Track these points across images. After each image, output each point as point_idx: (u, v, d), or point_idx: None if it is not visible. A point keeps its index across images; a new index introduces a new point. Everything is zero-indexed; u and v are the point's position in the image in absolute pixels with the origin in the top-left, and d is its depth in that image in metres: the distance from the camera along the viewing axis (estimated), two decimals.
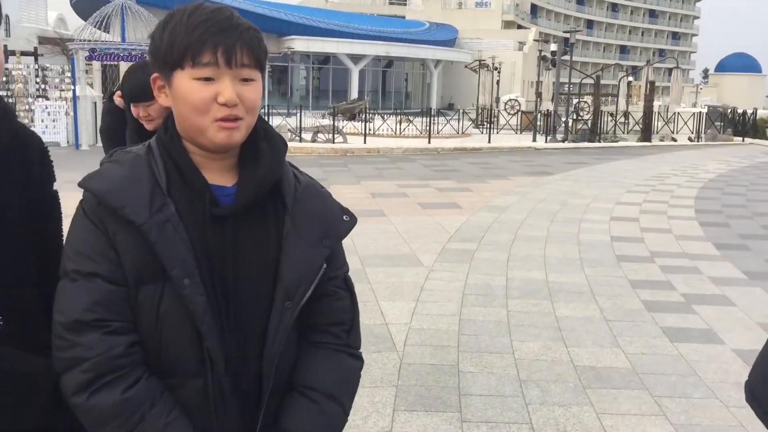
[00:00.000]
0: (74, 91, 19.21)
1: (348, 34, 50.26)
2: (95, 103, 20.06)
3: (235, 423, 1.35)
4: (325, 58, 51.36)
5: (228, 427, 1.34)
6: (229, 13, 1.30)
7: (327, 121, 23.79)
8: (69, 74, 20.25)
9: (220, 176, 1.35)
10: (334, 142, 20.70)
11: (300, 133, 21.13)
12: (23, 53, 23.55)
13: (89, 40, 19.70)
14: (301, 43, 46.59)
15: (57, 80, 21.31)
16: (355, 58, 49.98)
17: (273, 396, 1.37)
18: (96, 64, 20.93)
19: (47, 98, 20.70)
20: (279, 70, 49.28)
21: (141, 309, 1.29)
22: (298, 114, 21.82)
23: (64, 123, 19.62)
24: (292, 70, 49.95)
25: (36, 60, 23.91)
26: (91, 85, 20.96)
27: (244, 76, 1.29)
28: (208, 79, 1.27)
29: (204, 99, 1.27)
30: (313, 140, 20.95)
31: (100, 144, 19.71)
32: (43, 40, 32.84)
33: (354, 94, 47.69)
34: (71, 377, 1.25)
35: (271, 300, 1.35)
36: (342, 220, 1.45)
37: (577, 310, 5.65)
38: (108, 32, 20.51)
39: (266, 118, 22.81)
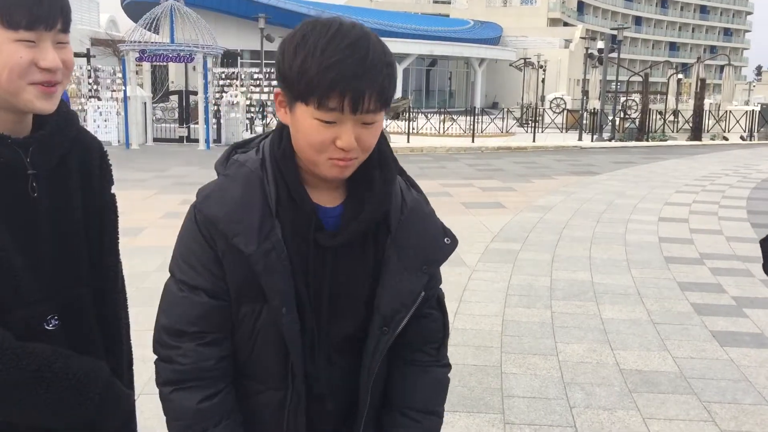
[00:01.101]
0: (125, 91, 19.66)
1: (392, 33, 50.32)
2: (145, 103, 20.52)
3: None
4: None
5: None
6: (365, 51, 1.21)
7: None
8: (120, 75, 20.74)
9: (327, 195, 1.36)
10: None
11: None
12: (76, 54, 24.16)
13: (139, 42, 20.13)
14: None
15: (108, 81, 21.85)
16: (399, 57, 50.01)
17: (368, 427, 1.45)
18: (146, 65, 21.38)
19: (99, 98, 21.25)
20: None
21: (239, 322, 1.36)
22: None
23: (115, 123, 20.11)
24: None
25: (88, 61, 24.58)
26: (141, 86, 21.42)
27: (367, 120, 1.24)
28: (330, 122, 1.23)
29: (323, 141, 1.24)
30: None
31: (150, 143, 20.16)
32: (96, 42, 33.70)
33: (398, 93, 47.78)
34: (164, 369, 1.36)
35: (367, 324, 1.38)
36: (443, 244, 1.43)
37: (623, 312, 5.57)
38: (157, 33, 20.94)
39: None
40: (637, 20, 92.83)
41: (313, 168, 1.30)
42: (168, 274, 1.42)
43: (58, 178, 1.40)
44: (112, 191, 1.55)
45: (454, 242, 1.45)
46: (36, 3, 1.26)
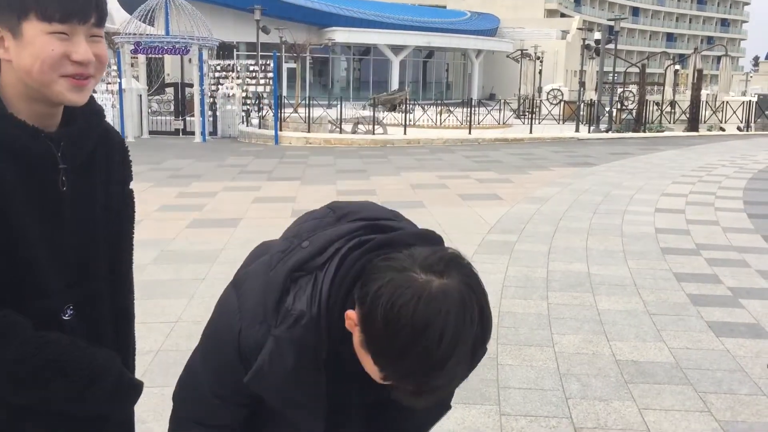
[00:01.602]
0: (120, 84, 19.58)
1: (389, 24, 50.20)
2: (140, 95, 20.45)
3: None
4: (365, 49, 51.41)
5: None
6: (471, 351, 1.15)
7: (367, 112, 23.81)
8: (115, 67, 20.63)
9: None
10: (374, 133, 20.72)
11: (340, 124, 21.19)
12: None
13: (135, 34, 20.05)
14: (342, 35, 46.69)
15: (103, 73, 21.72)
16: (396, 49, 49.90)
17: None
18: (141, 57, 21.28)
19: (94, 91, 21.06)
20: (320, 61, 49.46)
21: (257, 413, 1.39)
22: (339, 105, 21.88)
23: (111, 115, 20.01)
24: (332, 61, 50.13)
25: None
26: (137, 78, 21.32)
27: None
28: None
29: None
30: (354, 131, 21.01)
31: (145, 136, 20.11)
32: None
33: (394, 84, 47.64)
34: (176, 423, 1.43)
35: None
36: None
37: (619, 303, 5.56)
38: (153, 25, 20.85)
39: (306, 110, 22.79)
40: (635, 11, 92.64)
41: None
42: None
43: (85, 172, 1.43)
44: (131, 187, 1.59)
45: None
46: None
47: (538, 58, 44.25)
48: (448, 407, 1.45)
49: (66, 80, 1.32)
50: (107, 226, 1.49)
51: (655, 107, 29.09)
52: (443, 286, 1.09)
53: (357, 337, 1.16)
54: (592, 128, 24.92)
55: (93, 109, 1.46)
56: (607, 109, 26.84)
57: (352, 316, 1.16)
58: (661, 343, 4.70)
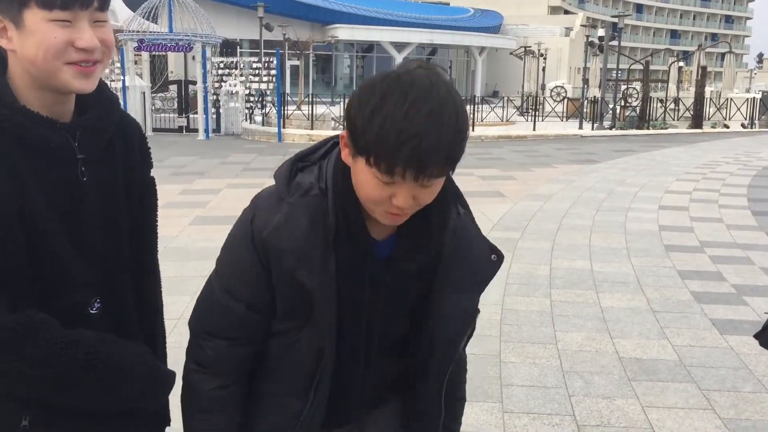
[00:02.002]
0: (123, 81, 19.58)
1: (392, 21, 50.14)
2: (144, 93, 20.45)
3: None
4: (369, 47, 51.36)
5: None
6: (440, 123, 1.17)
7: None
8: (118, 65, 20.63)
9: (384, 230, 1.36)
10: None
11: (343, 121, 21.16)
12: None
13: (138, 31, 20.05)
14: (345, 32, 46.66)
15: (107, 71, 21.72)
16: (399, 46, 49.84)
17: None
18: (145, 55, 21.30)
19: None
20: (323, 58, 49.46)
21: (280, 334, 1.43)
22: (342, 102, 21.85)
23: None
24: (336, 58, 50.11)
25: None
26: (140, 75, 21.34)
27: (426, 184, 1.21)
28: (389, 183, 1.21)
29: (380, 197, 1.24)
30: None
31: (149, 133, 19.97)
32: None
33: None
34: (193, 349, 1.45)
35: (413, 351, 1.46)
36: (490, 262, 1.44)
37: (622, 300, 5.55)
38: (156, 23, 20.84)
39: (309, 107, 22.76)
40: (638, 8, 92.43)
41: (369, 212, 1.30)
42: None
43: (104, 162, 1.40)
44: (152, 175, 1.56)
45: (501, 258, 1.46)
46: None
47: (542, 55, 44.18)
48: (476, 311, 1.46)
49: (71, 68, 1.28)
50: (130, 215, 1.47)
51: (659, 104, 29.03)
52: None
53: (347, 154, 1.26)
54: (595, 125, 24.87)
55: (107, 97, 1.43)
56: (611, 106, 26.78)
57: (343, 134, 1.26)
58: (665, 341, 4.69)
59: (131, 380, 1.37)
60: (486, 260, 1.43)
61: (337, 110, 21.76)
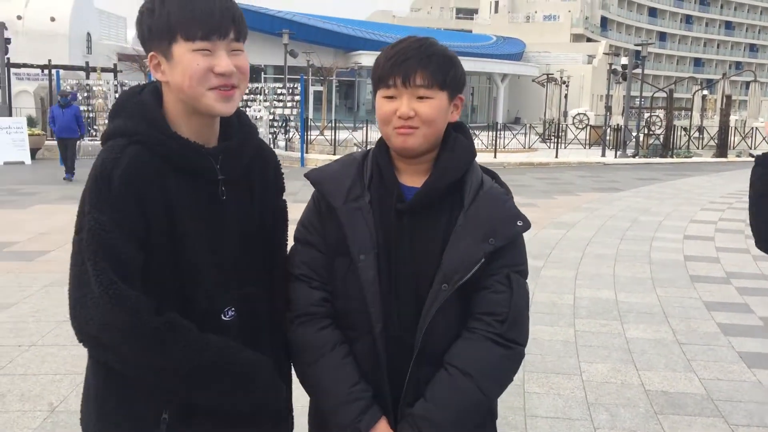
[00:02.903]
0: None
1: None
2: None
3: (386, 381, 1.63)
4: None
5: (380, 382, 1.63)
6: (421, 44, 1.61)
7: None
8: None
9: (414, 178, 1.66)
10: None
11: (366, 146, 21.29)
12: (103, 70, 24.57)
13: None
14: (367, 58, 47.03)
15: (247, 84, 22.07)
16: None
17: (421, 365, 1.62)
18: None
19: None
20: (346, 84, 49.87)
21: (335, 274, 1.65)
22: (364, 128, 21.99)
23: None
24: (358, 84, 50.48)
25: (115, 76, 24.92)
26: None
27: (419, 96, 1.58)
28: (391, 98, 1.60)
29: (388, 113, 1.60)
30: None
31: None
32: (122, 57, 34.20)
33: None
34: (288, 315, 1.67)
35: (432, 282, 1.60)
36: (513, 225, 1.63)
37: (648, 331, 5.49)
38: None
39: (332, 133, 22.93)
40: (662, 36, 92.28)
41: (387, 140, 1.64)
42: None
43: (242, 183, 1.60)
44: (284, 198, 1.75)
45: (526, 225, 1.65)
46: (209, 16, 1.45)
47: (564, 82, 44.21)
48: (506, 265, 1.63)
49: (213, 92, 1.47)
50: (263, 234, 1.64)
51: (683, 132, 28.84)
52: None
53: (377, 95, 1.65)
54: (618, 153, 24.76)
55: (247, 126, 1.64)
56: (634, 134, 26.66)
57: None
58: (692, 374, 4.62)
59: (253, 385, 1.52)
60: (506, 221, 1.63)
61: (360, 135, 21.89)
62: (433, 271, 1.60)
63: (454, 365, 1.60)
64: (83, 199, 1.47)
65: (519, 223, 1.63)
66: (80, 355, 4.61)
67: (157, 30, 1.47)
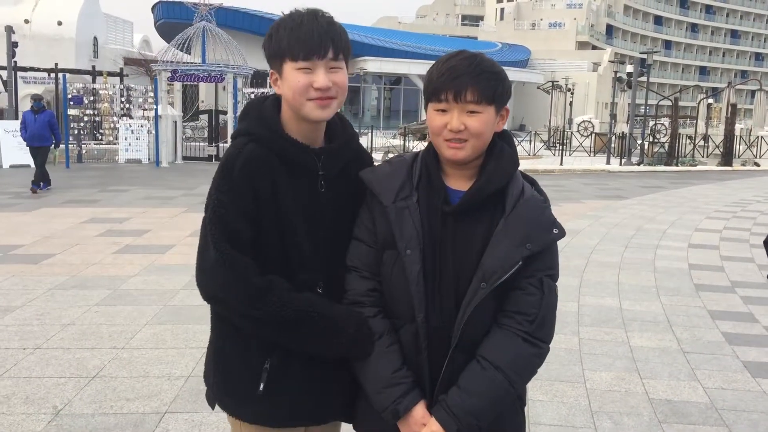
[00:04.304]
0: (156, 110, 19.96)
1: (420, 55, 50.55)
2: (175, 122, 20.79)
3: (426, 367, 1.77)
4: (396, 79, 51.79)
5: (420, 368, 1.77)
6: (472, 60, 1.74)
7: (398, 141, 23.92)
8: (152, 94, 21.04)
9: (461, 182, 1.80)
10: None
11: (370, 152, 21.31)
12: (110, 74, 24.67)
13: (172, 62, 20.47)
14: (373, 64, 47.14)
15: (140, 100, 22.18)
16: None
17: (458, 355, 1.75)
18: (177, 85, 21.73)
19: (131, 117, 21.58)
20: (351, 90, 49.70)
21: (384, 266, 1.81)
22: (369, 134, 22.03)
23: (146, 141, 20.39)
24: (363, 90, 50.54)
25: (121, 80, 25.03)
26: (172, 105, 21.73)
27: (469, 111, 1.71)
28: (442, 111, 1.74)
29: (439, 126, 1.74)
30: (384, 160, 21.10)
31: (179, 161, 20.09)
32: (129, 61, 34.33)
33: (425, 114, 47.80)
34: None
35: (471, 280, 1.73)
36: (550, 232, 1.77)
37: (652, 340, 5.47)
38: (189, 53, 21.27)
39: None
40: (667, 44, 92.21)
41: (438, 150, 1.77)
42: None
43: (339, 181, 1.87)
44: None
45: (561, 233, 1.79)
46: (310, 38, 1.74)
47: (569, 89, 44.21)
48: (541, 269, 1.77)
49: (312, 102, 1.77)
50: (352, 224, 1.88)
51: (688, 141, 28.81)
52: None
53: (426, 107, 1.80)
54: (623, 161, 24.73)
55: (349, 132, 1.94)
56: (639, 141, 26.64)
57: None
58: (696, 383, 4.60)
59: (343, 331, 1.77)
60: (543, 228, 1.75)
61: (365, 141, 21.91)
62: (473, 269, 1.73)
63: (485, 358, 1.73)
64: (212, 184, 1.80)
65: (555, 231, 1.77)
66: (84, 357, 4.63)
67: (272, 53, 1.80)
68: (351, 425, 1.95)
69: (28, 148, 13.97)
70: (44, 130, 13.41)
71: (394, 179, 1.81)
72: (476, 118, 1.71)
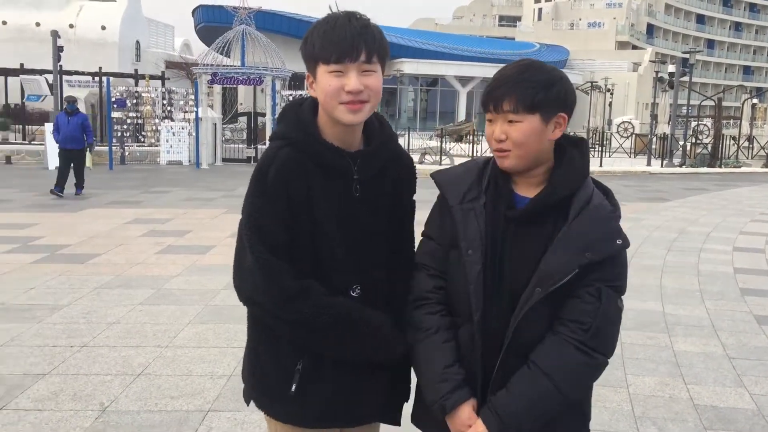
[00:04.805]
0: (197, 112, 20.25)
1: (456, 56, 50.41)
2: (215, 124, 21.08)
3: (479, 367, 1.78)
4: (433, 80, 51.71)
5: (474, 367, 1.79)
6: (510, 75, 1.75)
7: (434, 143, 23.90)
8: (192, 97, 21.34)
9: (528, 189, 1.81)
10: (440, 164, 20.76)
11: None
12: (152, 77, 25.11)
13: (212, 65, 20.75)
14: (410, 66, 47.15)
15: (181, 102, 22.54)
16: (464, 80, 50.01)
17: (509, 357, 1.75)
18: (217, 87, 21.99)
19: (172, 119, 21.93)
20: (388, 92, 50.00)
21: (449, 264, 1.84)
22: (406, 135, 22.04)
23: (187, 143, 20.71)
24: (400, 92, 50.58)
25: (163, 83, 25.44)
26: (212, 107, 22.02)
27: (510, 120, 1.73)
28: (491, 121, 1.79)
29: (489, 134, 1.79)
30: (420, 162, 21.09)
31: (219, 163, 20.30)
32: (170, 65, 34.90)
33: (461, 115, 47.70)
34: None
35: (528, 284, 1.73)
36: (612, 242, 1.74)
37: (696, 345, 5.37)
38: (229, 57, 21.53)
39: None
40: (710, 43, 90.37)
41: (495, 156, 1.81)
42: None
43: (375, 183, 1.86)
44: (413, 198, 2.00)
45: (626, 244, 1.76)
46: (342, 41, 1.72)
47: (609, 90, 43.64)
48: (601, 279, 1.73)
49: (344, 106, 1.75)
50: (390, 226, 1.90)
51: (732, 142, 28.20)
52: None
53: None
54: (664, 162, 24.32)
55: (388, 134, 1.93)
56: (681, 143, 26.17)
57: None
58: (742, 389, 4.51)
59: (369, 340, 1.79)
60: (605, 238, 1.73)
61: (401, 143, 21.84)
62: (530, 274, 1.73)
63: (536, 364, 1.73)
64: (248, 186, 1.82)
65: (618, 242, 1.74)
66: (129, 356, 4.72)
67: (307, 57, 1.80)
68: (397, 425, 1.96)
69: (59, 151, 13.53)
70: (77, 132, 13.24)
71: (462, 181, 1.85)
72: (516, 127, 1.72)
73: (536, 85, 1.72)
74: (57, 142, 13.53)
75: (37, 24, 34.48)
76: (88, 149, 13.53)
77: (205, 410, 3.93)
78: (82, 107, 26.90)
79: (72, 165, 13.26)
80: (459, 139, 27.46)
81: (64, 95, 24.96)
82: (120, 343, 5.02)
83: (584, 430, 1.87)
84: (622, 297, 1.81)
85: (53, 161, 18.64)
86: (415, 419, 1.96)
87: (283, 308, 1.74)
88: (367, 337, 1.79)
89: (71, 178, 13.30)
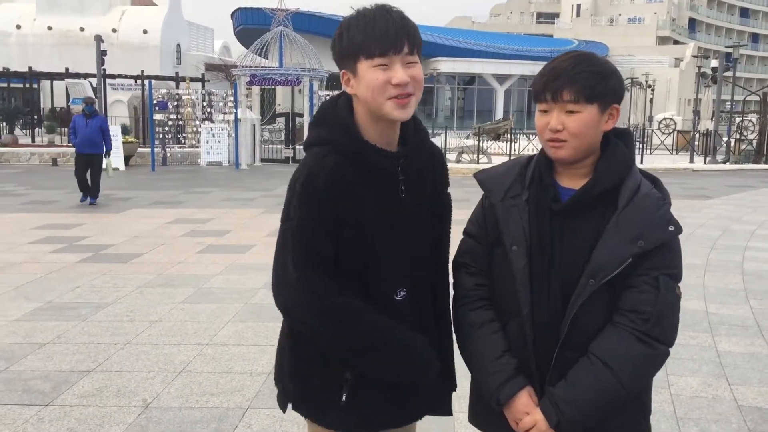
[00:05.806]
0: (236, 114, 20.50)
1: (494, 54, 50.08)
2: (254, 125, 21.31)
3: (533, 360, 1.77)
4: (470, 79, 51.45)
5: (527, 361, 1.78)
6: (569, 65, 1.73)
7: (471, 142, 23.79)
8: (231, 98, 21.59)
9: (573, 181, 1.80)
10: (478, 163, 20.66)
11: (444, 153, 21.24)
12: (192, 79, 25.49)
13: (250, 67, 20.98)
14: (447, 64, 47.01)
15: (221, 104, 22.84)
16: (501, 78, 49.67)
17: (566, 350, 1.74)
18: (255, 89, 22.23)
19: (212, 121, 22.24)
20: (425, 91, 49.45)
21: (493, 263, 1.85)
22: (443, 134, 21.98)
23: (226, 144, 20.98)
24: (437, 90, 50.47)
25: (203, 86, 25.81)
26: (251, 108, 22.26)
27: (567, 111, 1.71)
28: (545, 112, 1.75)
29: (542, 126, 1.76)
30: (458, 160, 21.03)
31: (258, 163, 20.52)
32: (210, 67, 35.36)
33: (499, 114, 47.36)
34: (453, 296, 1.94)
35: (580, 276, 1.71)
36: (664, 229, 1.71)
37: (741, 345, 5.26)
38: (267, 58, 21.73)
39: None
40: (754, 37, 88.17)
41: (545, 149, 1.78)
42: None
43: (417, 183, 1.84)
44: (449, 192, 1.98)
45: (678, 230, 1.73)
46: (385, 34, 1.69)
47: (650, 86, 42.94)
48: (657, 268, 1.71)
49: (392, 101, 1.71)
50: (432, 224, 1.88)
51: None
52: None
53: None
54: (708, 159, 23.82)
55: (422, 131, 1.89)
56: (725, 139, 25.60)
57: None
58: None
59: (405, 361, 1.77)
60: (656, 225, 1.70)
61: (438, 142, 21.85)
62: (582, 266, 1.71)
63: (596, 355, 1.71)
64: (290, 193, 1.76)
65: (670, 228, 1.71)
66: (171, 353, 4.81)
67: (344, 52, 1.74)
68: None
69: (75, 156, 12.55)
70: (96, 135, 12.19)
71: (504, 178, 1.85)
72: (575, 117, 1.71)
73: (596, 75, 1.71)
74: (74, 146, 12.56)
75: (81, 29, 35.31)
76: (105, 155, 12.58)
77: (245, 407, 3.99)
78: (124, 110, 27.56)
79: (89, 171, 12.30)
80: (497, 137, 27.27)
81: (109, 99, 25.50)
82: (162, 340, 5.12)
83: (644, 422, 1.83)
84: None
85: None
86: (472, 418, 1.96)
87: (323, 326, 1.72)
88: (399, 356, 1.76)
89: (116, 179, 13.35)
